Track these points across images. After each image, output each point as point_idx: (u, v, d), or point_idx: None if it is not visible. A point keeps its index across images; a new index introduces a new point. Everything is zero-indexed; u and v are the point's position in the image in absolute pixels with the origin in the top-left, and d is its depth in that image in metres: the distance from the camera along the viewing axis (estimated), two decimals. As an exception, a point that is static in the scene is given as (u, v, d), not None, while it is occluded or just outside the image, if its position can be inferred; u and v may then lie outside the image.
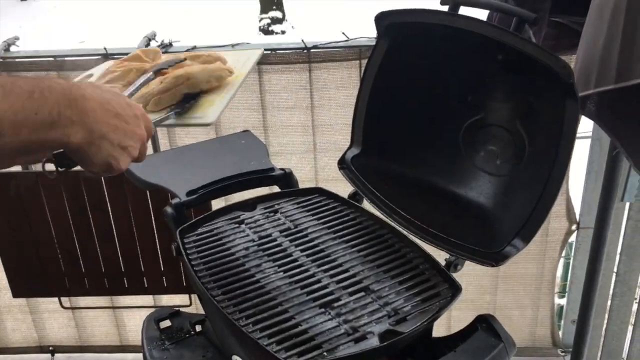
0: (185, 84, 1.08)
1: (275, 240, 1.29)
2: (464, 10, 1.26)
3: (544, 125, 1.19)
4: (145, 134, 0.86)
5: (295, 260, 1.23)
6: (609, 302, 2.17)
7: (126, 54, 1.94)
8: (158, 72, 1.04)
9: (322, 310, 1.09)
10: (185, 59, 1.09)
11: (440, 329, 1.16)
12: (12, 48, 2.03)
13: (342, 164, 1.47)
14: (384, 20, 1.33)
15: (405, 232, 1.31)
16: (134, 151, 0.83)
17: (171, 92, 1.07)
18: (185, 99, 1.10)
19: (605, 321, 2.20)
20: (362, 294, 1.13)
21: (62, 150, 0.76)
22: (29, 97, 0.67)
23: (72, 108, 0.72)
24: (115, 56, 1.94)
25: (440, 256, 1.24)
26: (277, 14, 10.73)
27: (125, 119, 0.81)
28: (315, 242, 1.29)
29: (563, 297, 2.50)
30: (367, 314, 1.08)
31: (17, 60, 1.99)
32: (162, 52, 1.93)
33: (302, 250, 1.26)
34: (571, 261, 2.26)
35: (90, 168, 0.80)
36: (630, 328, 2.19)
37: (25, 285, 2.16)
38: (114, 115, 0.79)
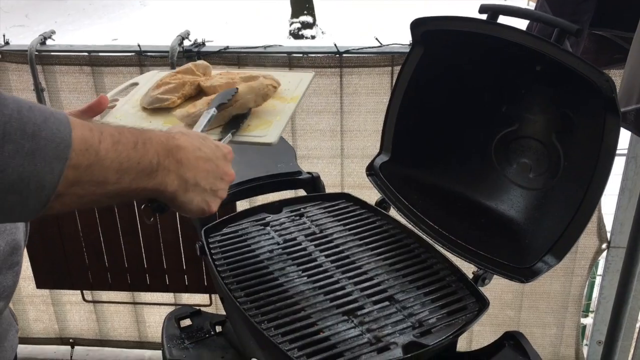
0: (234, 106, 1.10)
1: (300, 244, 1.27)
2: (501, 20, 1.24)
3: (581, 139, 1.15)
4: (234, 174, 0.90)
5: (320, 265, 1.22)
6: (637, 324, 2.11)
7: (159, 52, 1.96)
8: (220, 106, 1.06)
9: (345, 317, 1.08)
10: (237, 90, 1.09)
11: (461, 343, 1.13)
12: (48, 42, 2.06)
13: (371, 170, 1.45)
14: (419, 27, 1.32)
15: (432, 243, 1.28)
16: (223, 193, 0.88)
17: (220, 113, 1.08)
18: (235, 118, 1.11)
19: (634, 344, 2.14)
20: (387, 303, 1.11)
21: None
22: (133, 148, 0.72)
23: (169, 158, 0.77)
24: (148, 53, 1.96)
25: (468, 269, 1.21)
26: (308, 18, 10.76)
27: (216, 162, 0.85)
28: (341, 248, 1.27)
29: (586, 316, 2.44)
30: (391, 324, 1.06)
31: (52, 53, 2.02)
32: (195, 52, 1.94)
33: (326, 256, 1.24)
34: (598, 280, 2.21)
35: (184, 213, 0.84)
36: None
37: (49, 277, 2.18)
38: (205, 160, 0.83)
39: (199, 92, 1.22)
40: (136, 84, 1.30)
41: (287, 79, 1.24)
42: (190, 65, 1.27)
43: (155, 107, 1.18)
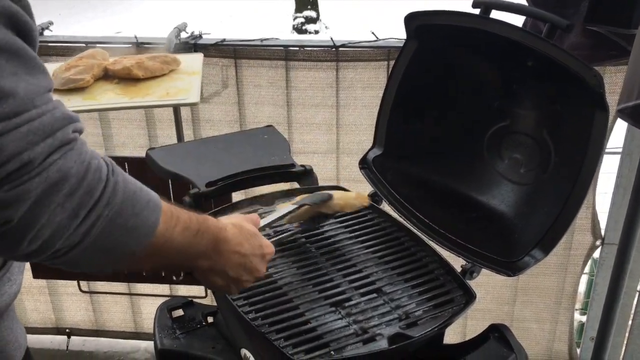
0: (325, 206, 1.22)
1: (290, 236, 1.28)
2: (495, 15, 1.24)
3: (571, 135, 1.16)
4: (264, 272, 1.00)
5: (310, 257, 1.22)
6: (630, 321, 2.12)
7: (156, 44, 1.96)
8: (301, 206, 1.16)
9: (333, 309, 1.09)
10: (331, 197, 1.19)
11: (455, 338, 1.14)
12: (46, 32, 2.06)
13: (363, 164, 1.46)
14: (413, 21, 1.32)
15: (422, 236, 1.29)
16: (247, 284, 0.98)
17: (304, 209, 1.20)
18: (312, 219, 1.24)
19: (625, 340, 2.14)
20: (374, 295, 1.12)
21: None
22: (194, 235, 0.84)
23: (214, 249, 0.89)
24: (146, 45, 1.96)
25: (457, 262, 1.22)
26: (312, 13, 10.74)
27: (251, 260, 0.95)
28: (331, 240, 1.28)
29: (585, 314, 2.44)
30: (378, 315, 1.07)
31: (49, 44, 2.02)
32: (192, 44, 1.94)
33: (316, 248, 1.25)
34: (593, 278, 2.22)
35: (206, 285, 0.99)
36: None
37: (45, 267, 2.18)
38: (241, 256, 0.94)
39: (106, 75, 1.52)
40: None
41: (184, 59, 1.68)
42: (90, 51, 1.53)
43: (70, 87, 1.36)
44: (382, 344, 1.00)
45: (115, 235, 0.71)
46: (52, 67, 1.48)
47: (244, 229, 0.96)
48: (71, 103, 1.29)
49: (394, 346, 0.99)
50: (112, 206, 0.69)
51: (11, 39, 0.62)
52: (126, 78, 1.58)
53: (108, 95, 1.38)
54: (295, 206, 1.16)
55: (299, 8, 10.78)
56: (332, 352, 0.99)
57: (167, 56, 1.62)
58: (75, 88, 1.34)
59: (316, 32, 10.56)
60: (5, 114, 0.60)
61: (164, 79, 1.49)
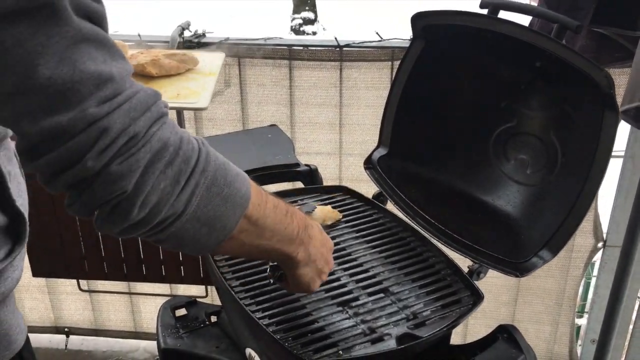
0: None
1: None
2: (502, 15, 1.24)
3: (579, 136, 1.16)
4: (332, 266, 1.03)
5: (316, 256, 1.22)
6: (631, 324, 2.12)
7: (159, 41, 1.95)
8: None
9: (340, 308, 1.08)
10: (315, 208, 1.33)
11: (455, 338, 1.14)
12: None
13: (369, 164, 1.45)
14: (420, 21, 1.31)
15: (428, 236, 1.29)
16: (325, 277, 1.00)
17: None
18: None
19: (627, 343, 2.15)
20: (382, 295, 1.12)
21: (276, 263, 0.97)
22: (285, 215, 0.87)
23: (305, 232, 0.91)
24: (149, 43, 1.95)
25: (463, 263, 1.22)
26: (310, 14, 10.73)
27: (327, 248, 0.98)
28: (337, 240, 1.27)
29: (581, 317, 2.45)
30: (386, 315, 1.06)
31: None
32: (195, 42, 1.94)
33: (323, 248, 1.25)
34: (594, 280, 2.21)
35: (294, 283, 0.97)
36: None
37: (45, 265, 2.17)
38: (323, 244, 0.96)
39: None
40: None
41: (202, 58, 1.60)
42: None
43: None
44: (391, 344, 1.00)
45: (213, 205, 0.74)
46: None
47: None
48: None
49: (402, 346, 0.99)
50: (207, 174, 0.72)
51: (92, 28, 0.66)
52: (140, 75, 1.56)
53: None
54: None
55: (297, 9, 10.78)
56: (340, 352, 0.98)
57: (186, 54, 1.58)
58: None
59: (314, 33, 10.56)
60: (108, 96, 0.65)
61: (178, 78, 1.45)
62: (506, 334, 1.07)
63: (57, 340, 2.49)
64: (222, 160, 0.76)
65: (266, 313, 1.06)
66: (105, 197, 0.68)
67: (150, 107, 0.69)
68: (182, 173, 0.71)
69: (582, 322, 2.42)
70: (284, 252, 0.89)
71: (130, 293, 2.36)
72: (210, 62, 1.55)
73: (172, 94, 1.32)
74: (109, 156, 0.66)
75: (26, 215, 0.91)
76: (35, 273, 2.20)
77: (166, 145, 0.69)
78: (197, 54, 1.62)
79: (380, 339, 1.01)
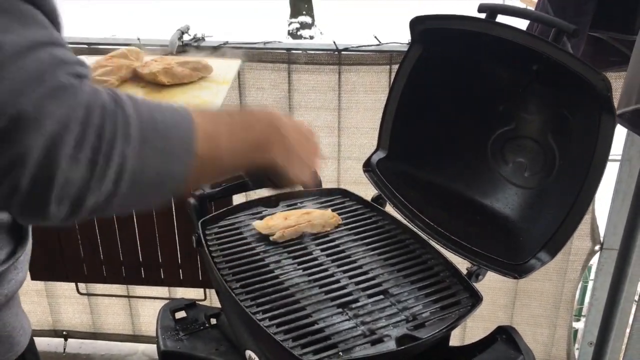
0: (306, 224, 1.29)
1: (296, 238, 1.28)
2: (500, 19, 1.25)
3: (576, 139, 1.17)
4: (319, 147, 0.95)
5: (315, 259, 1.22)
6: (628, 327, 2.13)
7: (158, 45, 1.96)
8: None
9: (340, 310, 1.09)
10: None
11: (453, 340, 1.15)
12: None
13: (368, 166, 1.46)
14: (418, 25, 1.33)
15: (427, 239, 1.29)
16: (315, 164, 0.93)
17: (294, 228, 1.28)
18: None
19: (624, 345, 2.15)
20: (381, 297, 1.12)
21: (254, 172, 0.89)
22: (244, 129, 0.78)
23: (273, 131, 0.82)
24: (148, 47, 1.96)
25: (462, 265, 1.22)
26: (307, 19, 10.76)
27: (308, 137, 0.92)
28: (336, 242, 1.28)
29: (578, 320, 2.45)
30: (385, 317, 1.07)
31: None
32: (194, 46, 1.94)
33: (322, 250, 1.25)
34: (591, 283, 2.22)
35: (282, 183, 0.90)
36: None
37: (43, 269, 2.18)
38: (302, 134, 0.90)
39: (134, 76, 1.35)
40: None
41: (217, 65, 1.46)
42: (124, 49, 1.38)
43: None
44: (390, 345, 1.00)
45: (151, 165, 0.64)
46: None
47: (286, 116, 0.91)
48: None
49: (402, 347, 0.99)
50: (130, 138, 0.61)
51: None
52: (152, 83, 1.49)
53: None
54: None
55: (294, 13, 10.81)
56: (340, 353, 0.99)
57: (200, 62, 1.51)
58: None
59: (311, 37, 10.58)
60: None
61: (191, 86, 1.37)
62: (505, 335, 1.08)
63: (55, 343, 2.49)
64: (148, 109, 0.65)
65: (266, 315, 1.06)
66: (1, 196, 0.58)
67: (43, 80, 0.57)
68: (97, 152, 0.59)
69: (580, 325, 2.42)
70: (255, 160, 0.81)
71: (128, 296, 2.36)
72: (225, 69, 1.45)
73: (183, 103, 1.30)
74: None
75: None
76: (34, 276, 2.20)
77: (67, 126, 0.57)
78: (212, 60, 1.53)
79: (380, 340, 1.02)
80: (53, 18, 0.64)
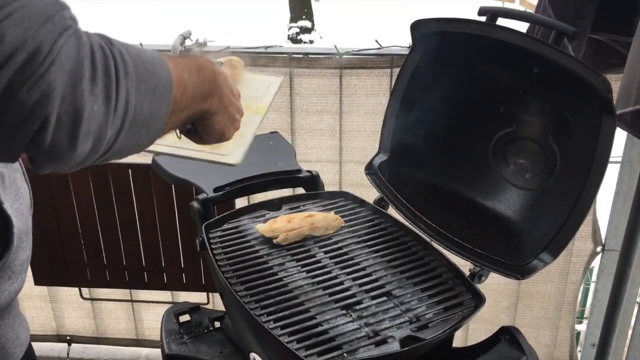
0: (309, 227, 1.29)
1: (299, 240, 1.29)
2: (500, 22, 1.26)
3: (577, 140, 1.17)
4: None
5: (319, 261, 1.23)
6: (630, 328, 2.13)
7: (161, 50, 1.97)
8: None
9: (344, 312, 1.09)
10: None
11: (456, 343, 1.15)
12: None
13: (370, 169, 1.47)
14: (419, 28, 1.34)
15: (429, 240, 1.30)
16: (238, 125, 0.92)
17: (297, 231, 1.28)
18: None
19: (627, 347, 2.16)
20: (385, 298, 1.13)
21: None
22: (197, 74, 0.79)
23: (215, 82, 0.83)
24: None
25: (464, 266, 1.23)
26: (307, 23, 10.79)
27: (235, 97, 0.91)
28: (340, 245, 1.29)
29: (580, 322, 2.45)
30: (389, 318, 1.08)
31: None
32: (197, 51, 1.95)
33: (325, 252, 1.26)
34: (593, 285, 2.23)
35: (208, 133, 0.88)
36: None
37: (47, 274, 2.18)
38: (231, 91, 0.89)
39: None
40: None
41: (256, 83, 1.15)
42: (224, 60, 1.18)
43: None
44: (394, 346, 1.01)
45: (146, 103, 0.68)
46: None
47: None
48: None
49: (406, 348, 1.00)
50: (130, 75, 0.65)
51: None
52: None
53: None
54: None
55: (294, 18, 10.83)
56: (344, 355, 0.99)
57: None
58: None
59: (311, 42, 10.60)
60: None
61: None
62: (508, 336, 1.08)
63: (58, 348, 2.49)
64: (135, 51, 0.68)
65: (271, 317, 1.07)
66: (26, 134, 0.59)
67: (52, 17, 0.59)
68: (108, 87, 0.62)
69: (582, 327, 2.43)
70: (202, 109, 0.82)
71: (132, 301, 2.37)
72: (265, 89, 1.12)
73: None
74: (8, 77, 0.56)
75: (15, 220, 0.87)
76: (37, 281, 2.20)
77: (80, 62, 0.60)
78: (252, 76, 1.20)
79: (383, 342, 1.02)
80: None
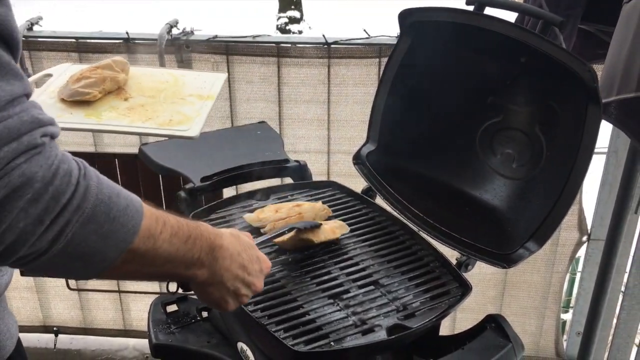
0: (296, 217, 1.29)
1: (287, 230, 1.29)
2: (489, 12, 1.26)
3: (563, 130, 1.18)
4: (262, 287, 0.96)
5: (306, 250, 1.23)
6: (615, 317, 2.15)
7: (147, 39, 1.95)
8: (292, 229, 1.20)
9: (331, 301, 1.09)
10: (320, 224, 1.25)
11: (443, 333, 1.16)
12: (35, 27, 2.04)
13: (357, 159, 1.47)
14: (407, 17, 1.33)
15: (417, 230, 1.31)
16: (245, 299, 0.93)
17: (284, 221, 1.27)
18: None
19: (611, 334, 2.18)
20: (372, 287, 1.13)
21: None
22: (185, 242, 0.80)
23: (209, 255, 0.84)
24: (137, 41, 1.95)
25: (452, 255, 1.24)
26: (295, 13, 10.73)
27: (249, 272, 0.91)
28: (327, 234, 1.29)
29: (566, 312, 2.48)
30: (376, 307, 1.08)
31: (39, 39, 2.00)
32: (184, 40, 1.94)
33: (313, 242, 1.26)
34: (579, 274, 2.25)
35: (202, 299, 0.91)
36: (637, 341, 2.17)
37: (33, 264, 2.17)
38: (240, 266, 0.90)
39: (118, 89, 1.31)
40: (50, 75, 1.35)
41: (203, 78, 1.40)
42: (109, 61, 1.34)
43: (76, 100, 1.23)
44: (381, 335, 1.01)
45: (89, 242, 0.68)
46: (66, 72, 1.34)
47: (242, 239, 0.93)
48: (73, 118, 1.19)
49: (392, 337, 1.00)
50: (82, 211, 0.66)
51: None
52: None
53: (111, 114, 1.25)
54: (286, 228, 1.17)
55: (283, 8, 10.78)
56: (332, 343, 1.00)
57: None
58: (81, 101, 1.22)
59: (300, 32, 10.55)
60: None
61: (174, 101, 1.31)
62: (494, 324, 1.09)
63: (45, 339, 2.47)
64: (107, 192, 0.70)
65: (258, 306, 1.07)
66: None
67: (21, 136, 0.63)
68: (48, 212, 0.64)
69: (568, 317, 2.45)
70: (181, 275, 0.84)
71: (119, 291, 2.36)
72: (211, 82, 1.38)
73: (165, 119, 1.20)
74: None
75: None
76: (24, 272, 2.19)
77: (30, 181, 0.63)
78: (198, 73, 1.46)
79: (371, 330, 1.03)
80: (14, 44, 0.67)
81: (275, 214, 1.28)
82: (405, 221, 1.32)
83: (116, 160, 1.99)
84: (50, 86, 1.29)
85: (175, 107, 1.25)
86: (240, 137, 1.64)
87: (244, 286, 0.91)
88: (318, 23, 10.34)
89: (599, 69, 1.84)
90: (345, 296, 1.11)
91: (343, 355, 0.99)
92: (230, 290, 0.89)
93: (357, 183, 1.47)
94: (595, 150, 1.11)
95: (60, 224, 0.65)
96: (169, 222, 0.78)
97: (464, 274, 1.17)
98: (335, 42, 1.92)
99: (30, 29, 2.02)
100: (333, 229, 1.25)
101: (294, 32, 10.46)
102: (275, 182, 1.65)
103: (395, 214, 1.35)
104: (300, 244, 1.20)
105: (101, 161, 1.98)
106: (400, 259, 1.22)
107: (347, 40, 1.92)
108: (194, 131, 1.18)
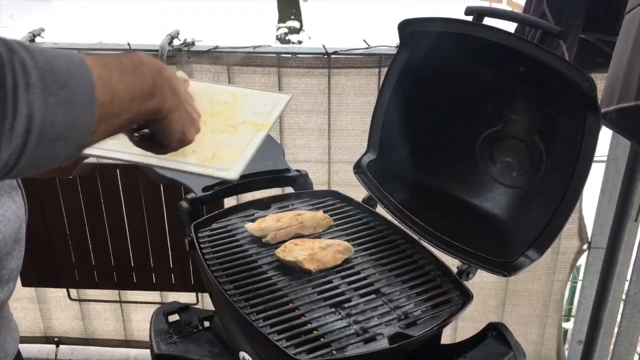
0: (297, 226, 1.31)
1: (288, 239, 1.29)
2: (488, 22, 1.27)
3: (563, 138, 1.19)
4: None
5: (308, 259, 1.23)
6: (617, 325, 2.15)
7: (149, 50, 1.97)
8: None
9: (333, 310, 1.10)
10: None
11: (445, 341, 1.16)
12: (37, 39, 2.05)
13: (358, 168, 1.48)
14: (407, 28, 1.34)
15: (417, 239, 1.31)
16: (198, 125, 0.86)
17: (286, 230, 1.29)
18: None
19: (613, 343, 2.18)
20: (373, 296, 1.14)
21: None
22: (133, 73, 0.73)
23: (160, 77, 0.77)
24: (138, 52, 1.96)
25: (452, 264, 1.24)
26: (295, 23, 10.78)
27: (188, 94, 0.85)
28: (328, 243, 1.29)
29: (568, 320, 2.48)
30: (378, 316, 1.08)
31: (41, 51, 2.01)
32: (185, 51, 1.95)
33: (314, 251, 1.26)
34: (580, 282, 2.25)
35: (167, 135, 0.82)
36: (639, 349, 2.17)
37: (35, 275, 2.17)
38: (188, 93, 0.84)
39: None
40: None
41: (265, 99, 1.19)
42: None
43: None
44: (383, 344, 1.02)
45: (60, 114, 0.62)
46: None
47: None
48: (107, 145, 0.94)
49: (394, 345, 1.01)
50: (33, 87, 0.60)
51: None
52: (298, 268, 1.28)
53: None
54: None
55: (282, 18, 10.83)
56: (334, 352, 1.00)
57: (341, 244, 1.28)
58: None
59: (299, 42, 10.60)
60: None
61: (224, 129, 1.09)
62: (495, 332, 1.09)
63: (46, 350, 2.47)
64: (42, 58, 0.62)
65: (260, 315, 1.07)
66: None
67: None
68: (3, 102, 0.57)
69: (569, 325, 2.45)
70: (151, 108, 0.77)
71: (120, 301, 2.36)
72: (270, 106, 1.16)
73: (208, 154, 1.00)
74: None
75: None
76: (25, 283, 2.19)
77: None
78: (260, 95, 1.22)
79: (372, 339, 1.03)
80: None
81: (277, 223, 1.29)
82: (406, 230, 1.33)
83: (117, 170, 1.99)
84: None
85: (225, 137, 1.06)
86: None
87: (194, 111, 0.85)
88: (317, 23, 10.38)
89: (597, 78, 1.86)
90: (346, 305, 1.11)
91: (345, 364, 0.99)
92: (188, 113, 0.83)
93: (358, 192, 1.48)
94: (595, 158, 1.11)
95: (22, 110, 0.59)
96: (110, 63, 0.72)
97: (465, 282, 1.17)
98: (335, 52, 1.93)
99: (32, 40, 2.03)
100: (335, 255, 1.23)
101: (293, 42, 10.50)
102: (276, 191, 1.66)
103: (396, 222, 1.36)
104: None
105: (102, 171, 1.99)
106: (401, 268, 1.22)
107: (347, 50, 1.94)
108: (234, 172, 0.98)
